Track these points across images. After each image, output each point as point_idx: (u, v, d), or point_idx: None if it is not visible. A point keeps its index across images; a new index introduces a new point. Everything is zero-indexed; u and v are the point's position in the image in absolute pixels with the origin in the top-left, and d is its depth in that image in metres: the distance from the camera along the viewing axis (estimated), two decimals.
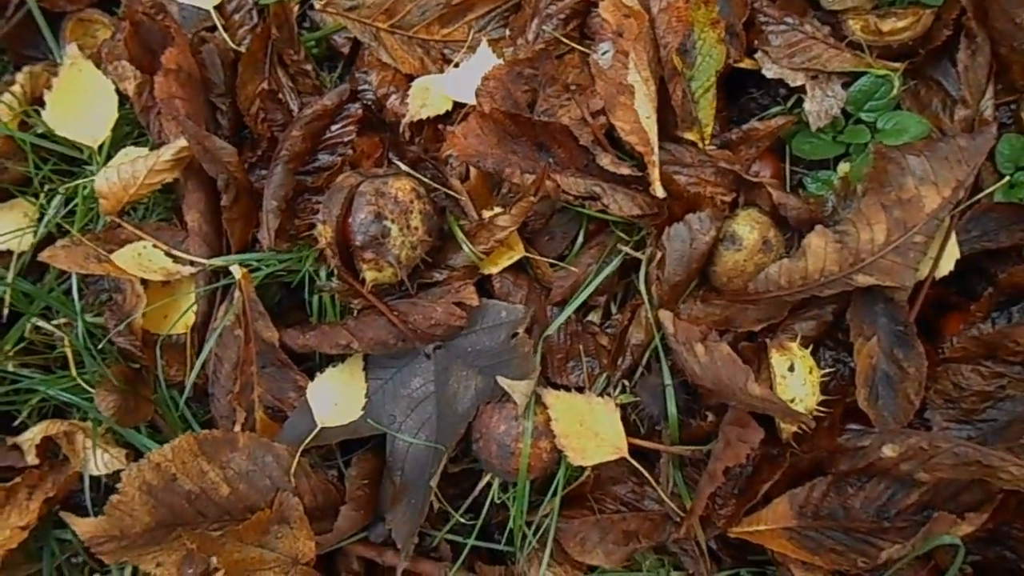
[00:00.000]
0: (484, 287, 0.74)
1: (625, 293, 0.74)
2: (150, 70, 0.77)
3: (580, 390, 0.69)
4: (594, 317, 0.73)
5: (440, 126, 0.77)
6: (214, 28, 0.80)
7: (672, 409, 0.65)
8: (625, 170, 0.68)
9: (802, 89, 0.72)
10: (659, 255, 0.66)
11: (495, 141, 0.69)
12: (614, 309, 0.73)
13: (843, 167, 0.73)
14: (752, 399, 0.60)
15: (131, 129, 0.81)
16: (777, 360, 0.62)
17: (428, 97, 0.76)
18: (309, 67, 0.82)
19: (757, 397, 0.59)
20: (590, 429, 0.64)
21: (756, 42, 0.73)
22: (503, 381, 0.65)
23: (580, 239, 0.72)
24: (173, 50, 0.71)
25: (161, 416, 0.76)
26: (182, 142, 0.72)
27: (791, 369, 0.62)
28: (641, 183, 0.69)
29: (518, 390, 0.64)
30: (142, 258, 0.73)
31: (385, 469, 0.72)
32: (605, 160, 0.69)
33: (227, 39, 0.80)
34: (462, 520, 0.70)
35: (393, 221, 0.67)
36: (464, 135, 0.68)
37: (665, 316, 0.65)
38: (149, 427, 0.77)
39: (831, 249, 0.62)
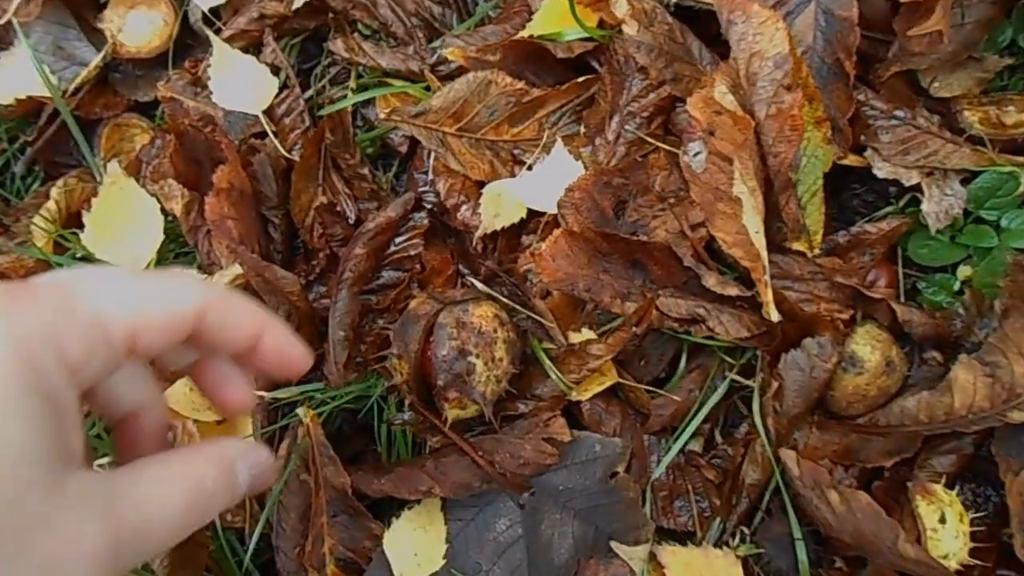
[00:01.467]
0: (571, 413, 0.67)
1: (726, 417, 0.67)
2: (196, 184, 0.71)
3: (691, 535, 0.61)
4: (695, 446, 0.66)
5: (514, 237, 0.71)
6: (264, 134, 0.75)
7: (804, 565, 0.58)
8: (733, 291, 0.62)
9: (916, 188, 0.66)
10: (775, 385, 0.60)
11: (585, 262, 0.63)
12: (717, 437, 0.66)
13: (963, 270, 0.66)
14: (903, 561, 0.53)
15: (176, 247, 0.75)
16: (925, 510, 0.55)
17: (501, 205, 0.70)
18: (365, 170, 0.76)
19: (911, 559, 0.52)
20: None
21: (863, 137, 0.66)
22: (617, 547, 0.58)
23: (682, 363, 0.65)
24: (225, 168, 0.64)
25: (218, 564, 0.69)
26: (237, 268, 0.66)
27: (942, 520, 0.55)
28: (747, 301, 0.62)
29: (635, 556, 0.57)
30: (194, 394, 0.67)
31: None
32: (711, 280, 0.62)
33: (278, 146, 0.74)
34: None
35: (478, 356, 0.60)
36: (552, 256, 0.61)
37: (788, 456, 0.58)
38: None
39: (981, 384, 0.55)
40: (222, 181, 0.64)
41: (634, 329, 0.60)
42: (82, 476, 0.33)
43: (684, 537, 0.61)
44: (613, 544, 0.58)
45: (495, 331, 0.62)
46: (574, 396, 0.65)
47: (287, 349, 0.39)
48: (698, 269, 0.61)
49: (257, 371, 0.41)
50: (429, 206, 0.75)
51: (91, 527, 0.32)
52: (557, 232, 0.63)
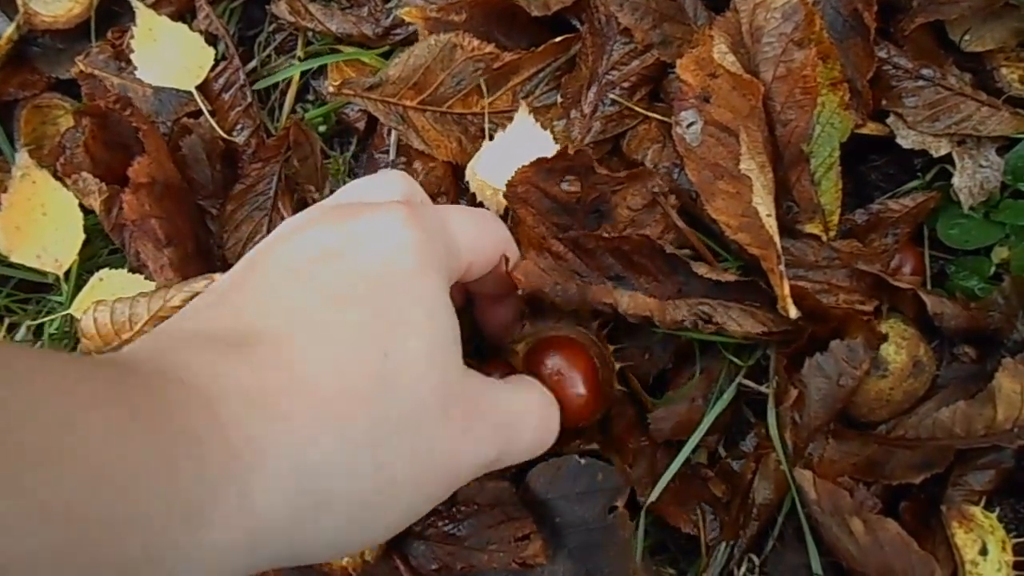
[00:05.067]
0: None
1: (733, 424, 0.59)
2: (121, 174, 0.62)
3: (694, 543, 0.54)
4: (701, 457, 0.58)
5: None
6: (199, 113, 0.65)
7: None
8: (730, 277, 0.54)
9: (946, 159, 0.57)
10: (794, 393, 0.52)
11: (564, 277, 0.54)
12: (721, 450, 0.58)
13: (999, 252, 0.58)
14: None
15: (107, 244, 0.66)
16: (963, 539, 0.48)
17: (485, 190, 0.60)
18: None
19: None
20: None
21: (884, 102, 0.57)
22: None
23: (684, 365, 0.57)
24: (143, 160, 0.55)
25: None
26: (198, 284, 0.58)
27: (983, 552, 0.48)
28: (756, 294, 0.54)
29: None
30: None
31: None
32: (702, 269, 0.53)
33: (215, 126, 0.65)
34: None
35: None
36: (525, 276, 0.52)
37: (804, 477, 0.51)
38: None
39: None
40: (139, 175, 0.54)
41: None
42: (472, 375, 0.38)
43: (689, 551, 0.54)
44: None
45: None
46: None
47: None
48: (682, 255, 0.53)
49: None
50: None
51: (485, 433, 0.37)
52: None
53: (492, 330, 0.54)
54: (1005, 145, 0.57)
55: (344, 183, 0.70)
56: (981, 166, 0.56)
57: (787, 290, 0.52)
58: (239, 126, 0.66)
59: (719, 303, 0.54)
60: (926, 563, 0.45)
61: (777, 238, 0.53)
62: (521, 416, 0.41)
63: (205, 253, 0.63)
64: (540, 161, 0.55)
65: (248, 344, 0.32)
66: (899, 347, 0.53)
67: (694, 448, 0.57)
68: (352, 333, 0.33)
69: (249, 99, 0.67)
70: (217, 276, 0.59)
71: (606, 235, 0.53)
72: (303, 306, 0.34)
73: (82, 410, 0.24)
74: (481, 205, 0.62)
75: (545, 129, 0.61)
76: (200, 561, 0.27)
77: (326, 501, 0.31)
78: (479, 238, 0.43)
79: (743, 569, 0.53)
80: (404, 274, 0.36)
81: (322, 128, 0.70)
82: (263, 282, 0.36)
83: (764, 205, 0.52)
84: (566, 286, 0.53)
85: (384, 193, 0.42)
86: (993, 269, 0.58)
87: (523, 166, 0.55)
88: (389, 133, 0.67)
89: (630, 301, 0.54)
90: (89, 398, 0.25)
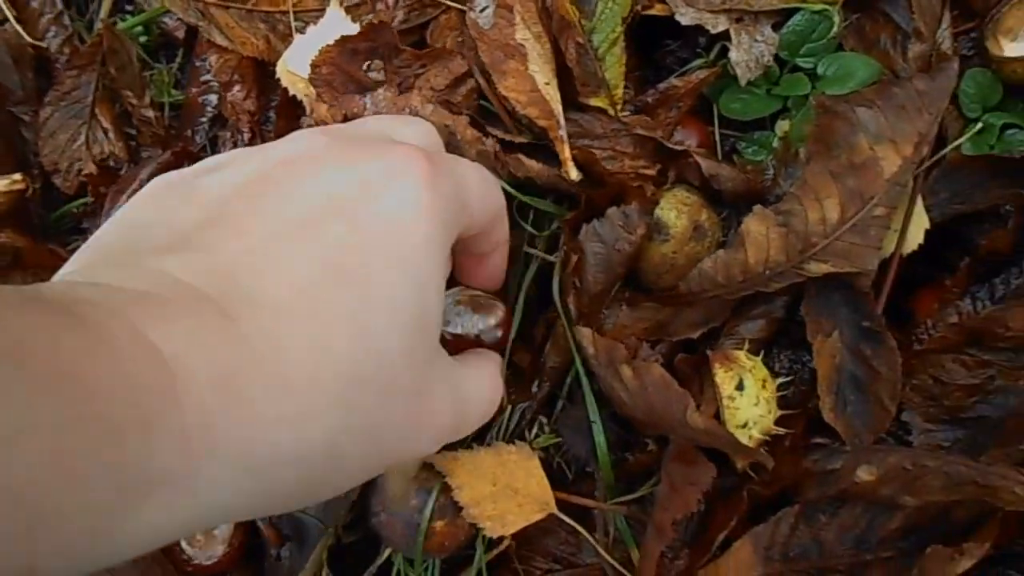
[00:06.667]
0: None
1: (539, 301, 0.61)
2: None
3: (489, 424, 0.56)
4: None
5: (294, 118, 0.63)
6: (4, 20, 0.65)
7: (602, 449, 0.53)
8: (522, 139, 0.56)
9: (726, 36, 0.59)
10: (575, 259, 0.54)
11: None
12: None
13: (782, 125, 0.61)
14: (695, 432, 0.48)
15: None
16: (722, 377, 0.51)
17: (296, 83, 0.61)
18: (151, 113, 0.66)
19: (701, 430, 0.47)
20: (507, 487, 0.51)
21: None
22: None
23: None
24: None
25: None
26: (1, 182, 0.58)
27: (740, 387, 0.50)
28: (547, 158, 0.56)
29: (399, 473, 0.51)
30: None
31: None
32: (498, 132, 0.55)
33: (22, 32, 0.64)
34: None
35: None
36: None
37: (583, 334, 0.53)
38: None
39: (775, 235, 0.50)
40: None
41: None
42: (441, 357, 0.38)
43: (483, 431, 0.56)
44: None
45: None
46: None
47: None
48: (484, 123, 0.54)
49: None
50: (214, 98, 0.67)
51: (444, 407, 0.37)
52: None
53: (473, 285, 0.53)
54: (780, 21, 0.59)
55: (170, 95, 0.71)
56: (756, 41, 0.59)
57: (568, 153, 0.54)
58: (50, 33, 0.66)
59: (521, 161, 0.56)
60: (681, 398, 0.48)
61: (558, 105, 0.55)
62: (478, 391, 0.42)
63: (17, 158, 0.62)
64: (343, 40, 0.56)
65: (232, 313, 0.29)
66: (680, 212, 0.56)
67: None
68: (342, 319, 0.31)
69: (60, 7, 0.66)
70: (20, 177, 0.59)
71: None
72: (301, 275, 0.31)
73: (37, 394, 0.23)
74: (293, 99, 0.63)
75: (355, 23, 0.62)
76: (134, 534, 0.26)
77: (274, 485, 0.31)
78: (486, 198, 0.42)
79: (535, 430, 0.55)
80: (407, 246, 0.34)
81: (144, 39, 0.70)
82: (261, 227, 0.32)
83: (541, 73, 0.54)
84: None
85: (405, 134, 0.41)
86: (777, 141, 0.60)
87: (326, 46, 0.56)
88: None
89: None
90: (45, 380, 0.23)
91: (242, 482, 0.29)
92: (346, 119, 0.56)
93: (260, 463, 0.29)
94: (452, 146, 0.54)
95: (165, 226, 0.33)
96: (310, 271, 0.31)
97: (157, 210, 0.34)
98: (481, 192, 0.41)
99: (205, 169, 0.37)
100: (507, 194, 0.51)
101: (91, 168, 0.63)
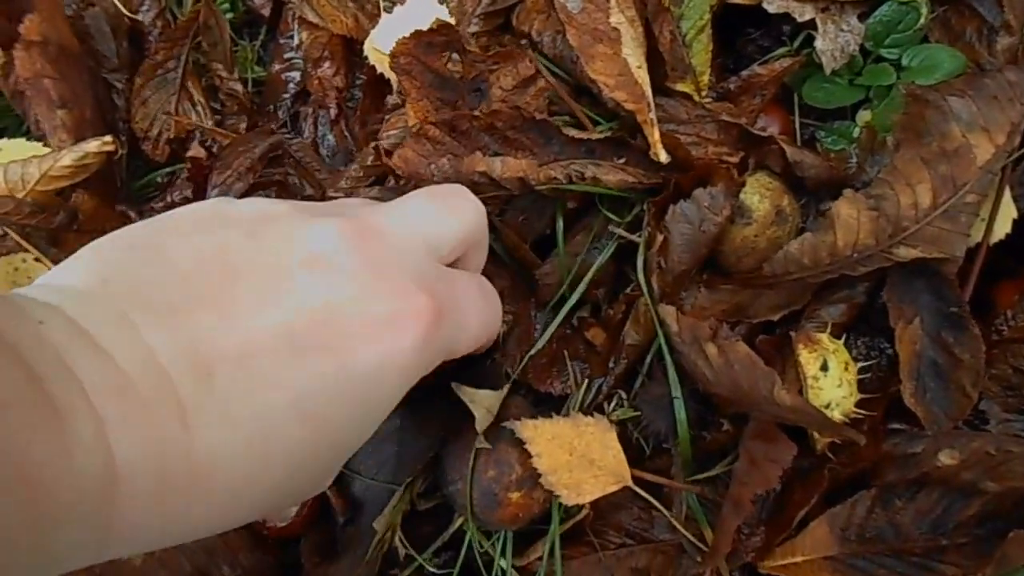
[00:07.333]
0: None
1: (616, 281, 0.62)
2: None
3: (566, 398, 0.57)
4: (585, 313, 0.61)
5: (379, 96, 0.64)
6: None
7: (683, 426, 0.54)
8: (600, 135, 0.56)
9: (811, 24, 0.60)
10: (660, 239, 0.55)
11: (439, 157, 0.56)
12: (605, 301, 0.61)
13: (863, 115, 0.61)
14: (781, 409, 0.49)
15: (10, 120, 0.67)
16: (806, 358, 0.51)
17: (384, 61, 0.62)
18: (239, 87, 0.68)
19: (787, 407, 0.48)
20: (583, 458, 0.52)
21: None
22: (458, 388, 0.53)
23: (560, 222, 0.60)
24: (34, 17, 0.57)
25: None
26: (90, 146, 0.59)
27: (824, 368, 0.51)
28: (626, 150, 0.57)
29: (479, 400, 0.52)
30: (19, 273, 0.60)
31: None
32: (572, 131, 0.56)
33: (119, 5, 0.66)
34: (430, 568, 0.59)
35: None
36: (404, 162, 0.54)
37: (667, 312, 0.54)
38: None
39: (865, 218, 0.51)
40: (31, 33, 0.56)
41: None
42: None
43: (561, 405, 0.57)
44: (454, 386, 0.54)
45: None
46: None
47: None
48: (552, 121, 0.55)
49: None
50: (297, 75, 0.69)
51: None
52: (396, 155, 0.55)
53: None
54: (865, 12, 0.60)
55: (252, 71, 0.72)
56: (842, 30, 0.59)
57: (657, 136, 0.55)
58: (144, 6, 0.68)
59: (590, 162, 0.57)
60: (768, 376, 0.48)
61: (648, 89, 0.56)
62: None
63: (107, 122, 0.64)
64: (417, 33, 0.57)
65: (191, 421, 0.30)
66: (763, 196, 0.56)
67: (581, 303, 0.61)
68: (286, 455, 0.33)
69: None
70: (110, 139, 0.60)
71: (478, 114, 0.55)
72: (268, 406, 0.32)
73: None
74: (381, 76, 0.64)
75: (442, 4, 0.63)
76: (53, 554, 0.27)
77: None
78: (483, 313, 0.46)
79: (613, 404, 0.56)
80: (374, 401, 0.36)
81: (230, 16, 0.72)
82: (260, 321, 0.32)
83: (634, 56, 0.55)
84: (439, 162, 0.56)
85: (442, 236, 0.44)
86: (858, 131, 0.61)
87: (403, 37, 0.57)
88: (294, 19, 0.69)
89: (503, 166, 0.56)
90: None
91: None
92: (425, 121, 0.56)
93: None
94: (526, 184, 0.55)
95: (169, 284, 0.33)
96: (276, 405, 0.32)
97: (164, 262, 0.34)
98: (479, 314, 0.45)
99: (237, 226, 0.36)
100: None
101: (181, 135, 0.65)
